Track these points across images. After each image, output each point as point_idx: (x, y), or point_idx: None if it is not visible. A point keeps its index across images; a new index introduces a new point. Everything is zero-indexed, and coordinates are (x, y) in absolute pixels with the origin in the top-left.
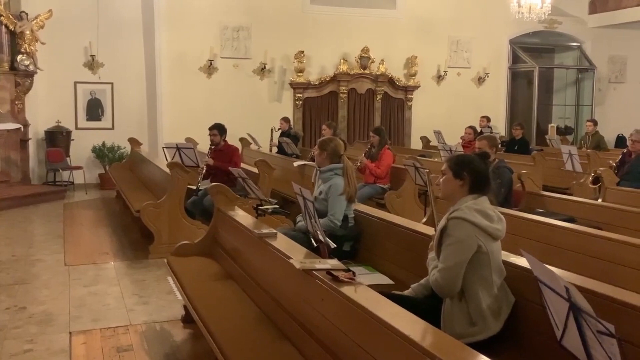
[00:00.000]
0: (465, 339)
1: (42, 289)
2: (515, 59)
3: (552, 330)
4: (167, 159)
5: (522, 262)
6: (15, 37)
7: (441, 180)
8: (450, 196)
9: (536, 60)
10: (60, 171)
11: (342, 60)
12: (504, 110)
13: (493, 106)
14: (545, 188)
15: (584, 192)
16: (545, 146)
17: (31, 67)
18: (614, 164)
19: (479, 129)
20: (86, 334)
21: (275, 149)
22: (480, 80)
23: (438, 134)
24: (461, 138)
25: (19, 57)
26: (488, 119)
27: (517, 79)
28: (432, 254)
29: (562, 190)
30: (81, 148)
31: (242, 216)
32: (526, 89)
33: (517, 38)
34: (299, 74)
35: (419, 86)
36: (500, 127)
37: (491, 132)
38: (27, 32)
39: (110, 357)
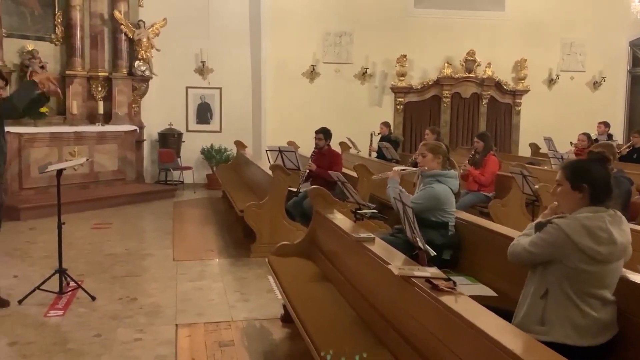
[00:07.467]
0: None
1: (152, 282)
2: (635, 61)
3: None
4: (269, 162)
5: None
6: (133, 44)
7: (558, 190)
8: (570, 210)
9: None
10: (171, 171)
11: (445, 64)
12: (622, 116)
13: (609, 112)
14: None
15: None
16: None
17: (147, 73)
18: None
19: (594, 136)
20: (191, 327)
21: (374, 154)
22: (595, 84)
23: (549, 140)
24: (574, 145)
25: (136, 63)
26: (607, 125)
27: (638, 84)
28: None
29: None
30: (191, 149)
31: (341, 219)
32: None
33: (638, 40)
34: (401, 78)
35: (528, 90)
36: (617, 134)
37: (607, 140)
38: (144, 40)
39: (212, 350)
